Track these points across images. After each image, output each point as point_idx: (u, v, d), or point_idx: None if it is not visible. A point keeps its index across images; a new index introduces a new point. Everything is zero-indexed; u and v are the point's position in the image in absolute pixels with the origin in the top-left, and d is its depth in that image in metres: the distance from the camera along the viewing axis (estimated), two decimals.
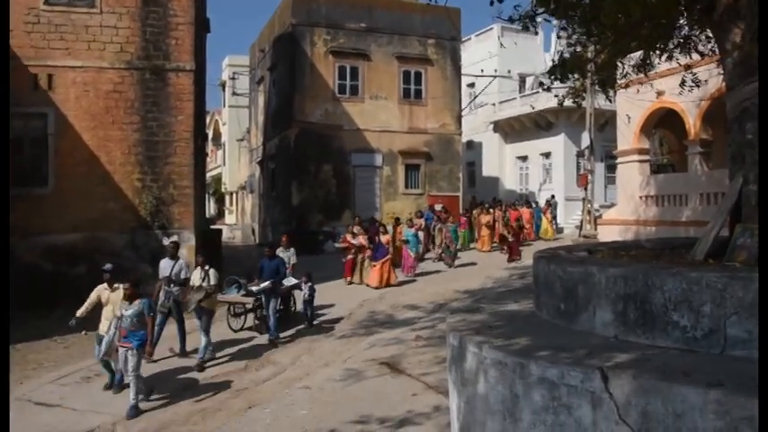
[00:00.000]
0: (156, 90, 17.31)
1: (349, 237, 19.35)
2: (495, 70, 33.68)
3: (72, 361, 12.16)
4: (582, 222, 24.75)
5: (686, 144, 18.71)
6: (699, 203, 17.33)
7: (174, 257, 12.85)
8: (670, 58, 9.00)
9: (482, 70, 33.57)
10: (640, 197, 19.68)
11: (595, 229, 22.71)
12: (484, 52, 36.91)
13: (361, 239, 19.05)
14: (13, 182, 16.64)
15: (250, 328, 14.02)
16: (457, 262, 21.18)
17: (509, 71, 35.41)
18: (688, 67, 9.84)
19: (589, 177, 24.51)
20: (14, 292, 15.21)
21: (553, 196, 30.75)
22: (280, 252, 15.20)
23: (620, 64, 11.34)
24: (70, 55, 16.79)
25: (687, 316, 4.29)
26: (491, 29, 36.27)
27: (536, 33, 8.90)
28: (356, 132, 26.74)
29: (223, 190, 49.30)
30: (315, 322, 14.61)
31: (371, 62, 27.10)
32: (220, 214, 50.67)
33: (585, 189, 24.56)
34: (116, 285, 10.52)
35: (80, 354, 12.43)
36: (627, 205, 20.37)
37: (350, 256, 19.05)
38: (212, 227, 28.43)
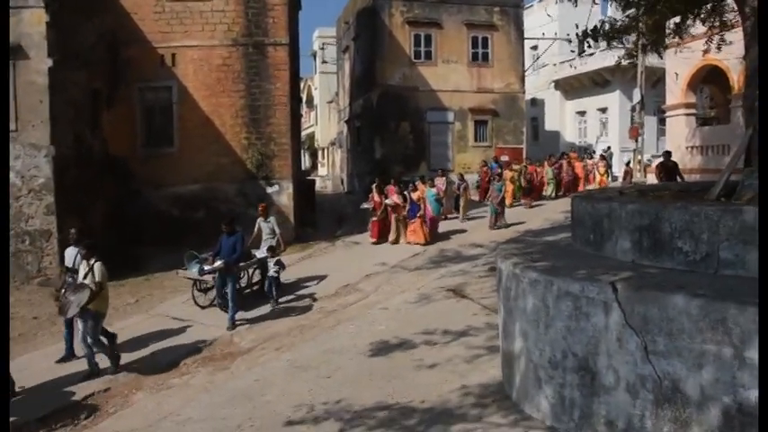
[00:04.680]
0: (258, 62, 17.93)
1: (377, 197, 17.09)
2: (556, 33, 32.87)
3: None
4: (631, 172, 24.17)
5: (730, 98, 18.10)
6: None
7: (80, 243, 9.43)
8: (703, 21, 8.91)
9: (543, 33, 32.86)
10: (686, 147, 19.22)
11: (645, 177, 22.32)
12: (545, 17, 35.96)
13: (395, 198, 16.75)
14: (147, 143, 17.89)
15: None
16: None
17: (568, 34, 34.43)
18: (723, 28, 9.69)
19: (639, 130, 23.95)
20: (149, 233, 16.59)
21: (609, 147, 30.15)
22: (260, 222, 12.94)
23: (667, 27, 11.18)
24: (188, 36, 17.61)
25: (689, 243, 4.60)
26: None
27: (575, 5, 8.88)
28: (430, 93, 26.78)
29: (316, 146, 50.21)
30: (282, 300, 12.04)
31: (443, 30, 26.92)
32: (314, 167, 51.71)
33: (636, 141, 24.05)
34: None
35: None
36: (674, 155, 19.90)
37: (379, 217, 16.94)
38: (307, 178, 29.34)
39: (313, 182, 25.64)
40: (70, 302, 8.64)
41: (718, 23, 9.64)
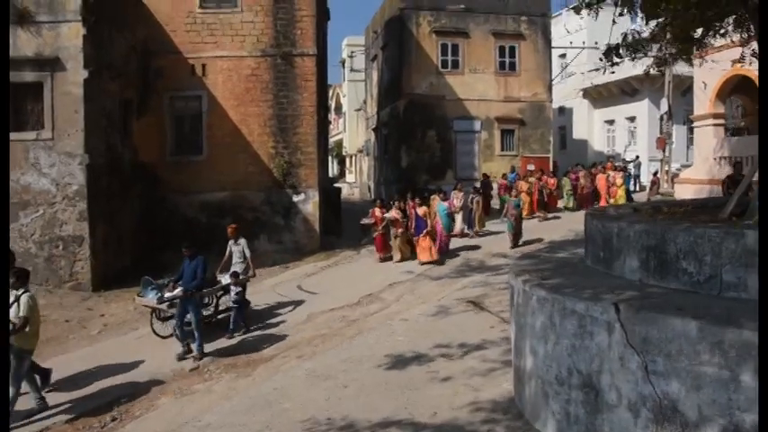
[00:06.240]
0: (285, 72, 18.33)
1: (377, 211, 16.33)
2: (584, 42, 32.72)
3: None
4: (658, 182, 23.96)
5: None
6: None
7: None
8: (723, 35, 8.95)
9: (571, 42, 32.77)
10: (714, 158, 19.05)
11: (672, 188, 22.14)
12: (574, 25, 35.77)
13: (394, 212, 15.78)
14: (177, 151, 18.37)
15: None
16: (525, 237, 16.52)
17: (596, 42, 34.29)
18: (745, 43, 9.69)
19: (666, 140, 23.76)
20: (177, 239, 16.92)
21: (637, 157, 29.95)
22: (230, 245, 12.13)
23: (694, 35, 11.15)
24: (218, 47, 18.14)
25: (693, 264, 4.68)
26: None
27: (596, 18, 8.97)
28: (457, 102, 26.94)
29: (344, 153, 50.68)
30: (252, 328, 11.40)
31: (470, 39, 27.08)
32: (342, 174, 52.17)
33: (663, 151, 23.86)
34: None
35: None
36: (702, 166, 19.75)
37: (379, 232, 16.16)
38: (335, 185, 29.63)
39: (339, 190, 25.91)
40: None
41: (744, 35, 9.67)
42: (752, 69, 16.51)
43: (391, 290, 13.45)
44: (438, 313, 10.61)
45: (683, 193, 19.48)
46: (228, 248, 12.15)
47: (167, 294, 10.31)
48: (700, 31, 10.21)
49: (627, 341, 4.33)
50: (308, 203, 18.65)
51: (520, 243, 16.22)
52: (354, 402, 6.81)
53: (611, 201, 20.44)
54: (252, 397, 7.69)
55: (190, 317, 10.05)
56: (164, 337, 10.83)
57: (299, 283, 14.66)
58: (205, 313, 11.15)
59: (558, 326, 4.98)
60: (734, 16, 9.01)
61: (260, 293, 14.07)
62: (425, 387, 7.00)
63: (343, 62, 46.82)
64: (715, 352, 3.80)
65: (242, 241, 12.09)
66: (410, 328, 9.88)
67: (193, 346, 10.04)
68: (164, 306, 10.49)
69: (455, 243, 16.86)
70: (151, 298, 10.69)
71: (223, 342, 10.82)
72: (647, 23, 9.47)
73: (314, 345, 10.02)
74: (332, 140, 45.45)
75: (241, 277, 11.57)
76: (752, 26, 6.99)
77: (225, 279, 11.55)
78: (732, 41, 9.49)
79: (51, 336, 11.44)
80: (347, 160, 50.82)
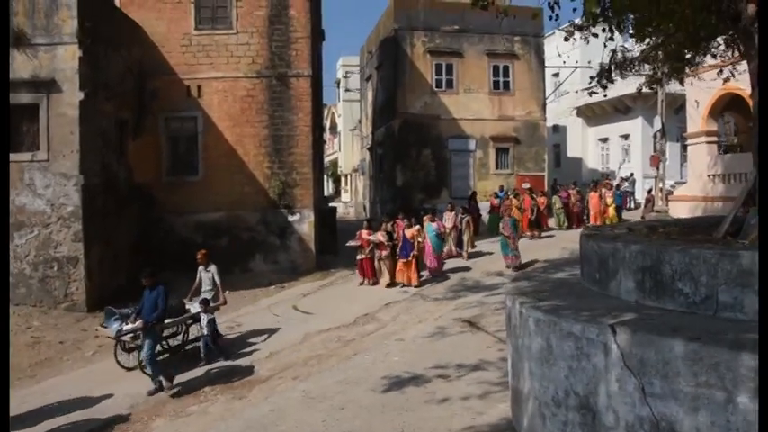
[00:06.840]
0: (281, 93, 18.38)
1: (365, 233, 16.00)
2: (576, 61, 33.01)
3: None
4: (653, 199, 24.07)
5: (751, 126, 18.10)
6: None
7: None
8: (714, 56, 9.05)
9: (564, 62, 33.01)
10: (708, 176, 19.17)
11: (667, 206, 22.23)
12: (568, 45, 36.07)
13: (380, 235, 15.60)
14: (172, 171, 18.36)
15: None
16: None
17: (589, 62, 34.59)
18: (735, 62, 9.81)
19: (660, 158, 23.91)
20: (173, 259, 16.90)
21: (632, 174, 30.09)
22: (200, 271, 11.65)
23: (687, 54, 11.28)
24: (213, 68, 18.18)
25: (689, 285, 4.68)
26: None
27: (587, 42, 9.12)
28: (452, 121, 27.02)
29: (339, 172, 50.74)
30: (224, 359, 10.69)
31: (464, 59, 27.23)
32: (337, 193, 52.19)
33: (657, 169, 24.00)
34: None
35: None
36: (696, 183, 19.87)
37: (365, 255, 15.87)
38: (330, 204, 29.61)
39: (334, 209, 25.90)
40: None
41: (734, 54, 9.80)
42: (744, 88, 16.67)
43: (387, 310, 13.42)
44: (434, 333, 10.58)
45: (678, 210, 19.59)
46: (198, 274, 11.73)
47: (126, 327, 9.89)
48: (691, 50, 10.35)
49: (624, 363, 4.31)
50: (304, 223, 18.62)
51: (516, 264, 15.89)
52: (351, 425, 6.76)
53: (607, 221, 20.51)
54: (247, 419, 7.63)
55: (158, 348, 9.67)
56: (128, 369, 10.29)
57: (294, 303, 14.59)
58: (173, 343, 11.01)
59: (554, 347, 4.96)
60: (724, 37, 9.14)
61: (255, 313, 14.04)
62: (422, 409, 6.96)
63: (338, 82, 47.05)
64: (712, 373, 3.78)
65: (212, 268, 11.62)
66: (406, 348, 9.85)
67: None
68: (127, 338, 10.10)
69: (449, 263, 16.85)
70: (114, 329, 10.18)
71: (217, 364, 10.64)
72: (637, 42, 9.56)
73: (310, 365, 9.97)
74: (327, 160, 45.53)
75: (211, 305, 11.19)
76: (741, 46, 7.05)
77: (194, 306, 11.19)
78: (723, 60, 9.59)
79: (45, 357, 11.36)
80: (342, 179, 50.86)
